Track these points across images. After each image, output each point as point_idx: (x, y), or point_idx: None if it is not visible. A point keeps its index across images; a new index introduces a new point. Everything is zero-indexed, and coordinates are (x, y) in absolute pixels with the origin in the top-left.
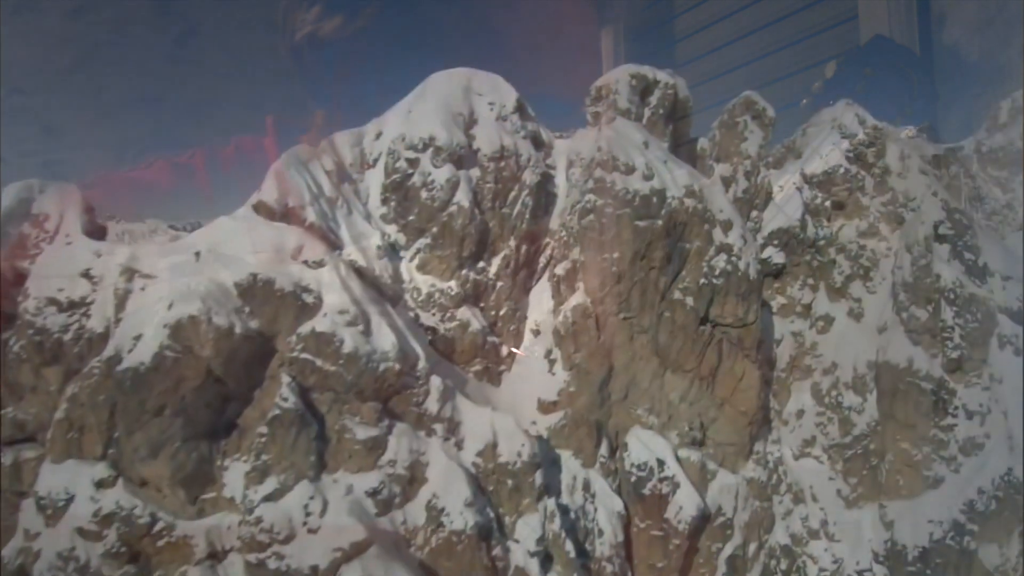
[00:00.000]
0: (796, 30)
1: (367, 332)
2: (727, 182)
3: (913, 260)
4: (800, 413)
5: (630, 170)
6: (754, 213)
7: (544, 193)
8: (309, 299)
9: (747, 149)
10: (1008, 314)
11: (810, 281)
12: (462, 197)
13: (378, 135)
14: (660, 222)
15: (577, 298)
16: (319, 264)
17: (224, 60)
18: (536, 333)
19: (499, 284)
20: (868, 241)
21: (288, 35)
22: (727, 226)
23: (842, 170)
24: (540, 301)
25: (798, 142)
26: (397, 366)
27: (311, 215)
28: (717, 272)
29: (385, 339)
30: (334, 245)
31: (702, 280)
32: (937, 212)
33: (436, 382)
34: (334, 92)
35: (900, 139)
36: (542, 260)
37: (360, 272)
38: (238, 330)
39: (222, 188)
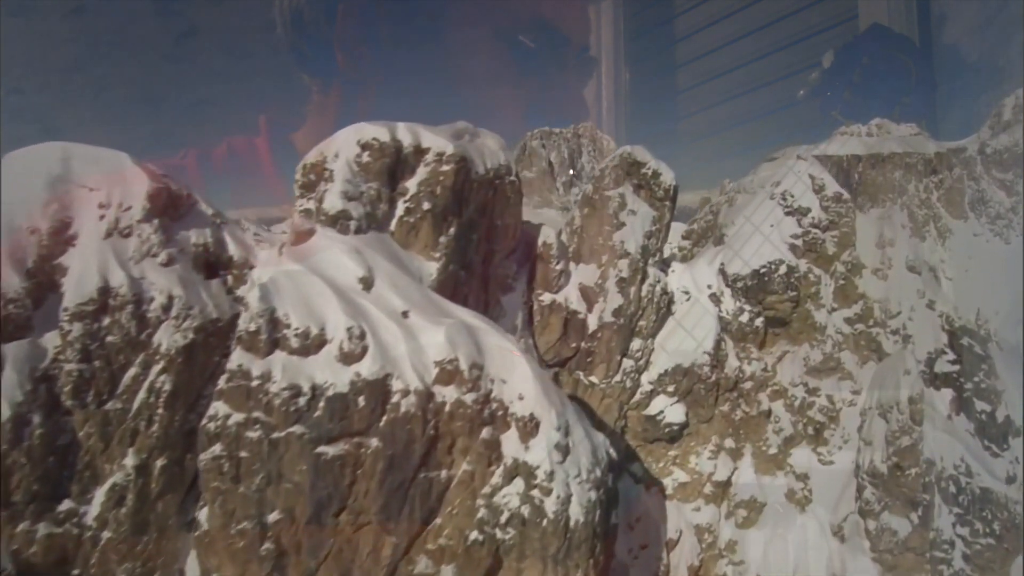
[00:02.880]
0: (795, 30)
1: None
2: (591, 297)
3: (891, 435)
4: None
5: (312, 345)
6: (636, 343)
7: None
8: None
9: (624, 243)
10: None
11: (728, 445)
12: None
13: None
14: (377, 442)
15: None
16: None
17: (224, 60)
18: None
19: (105, 536)
20: (823, 381)
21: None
22: (528, 428)
23: (784, 268)
24: None
25: (721, 217)
26: None
27: None
28: (503, 518)
29: None
30: None
31: (446, 539)
32: (934, 335)
33: None
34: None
35: (882, 204)
36: None
37: None
38: None
39: (217, 187)
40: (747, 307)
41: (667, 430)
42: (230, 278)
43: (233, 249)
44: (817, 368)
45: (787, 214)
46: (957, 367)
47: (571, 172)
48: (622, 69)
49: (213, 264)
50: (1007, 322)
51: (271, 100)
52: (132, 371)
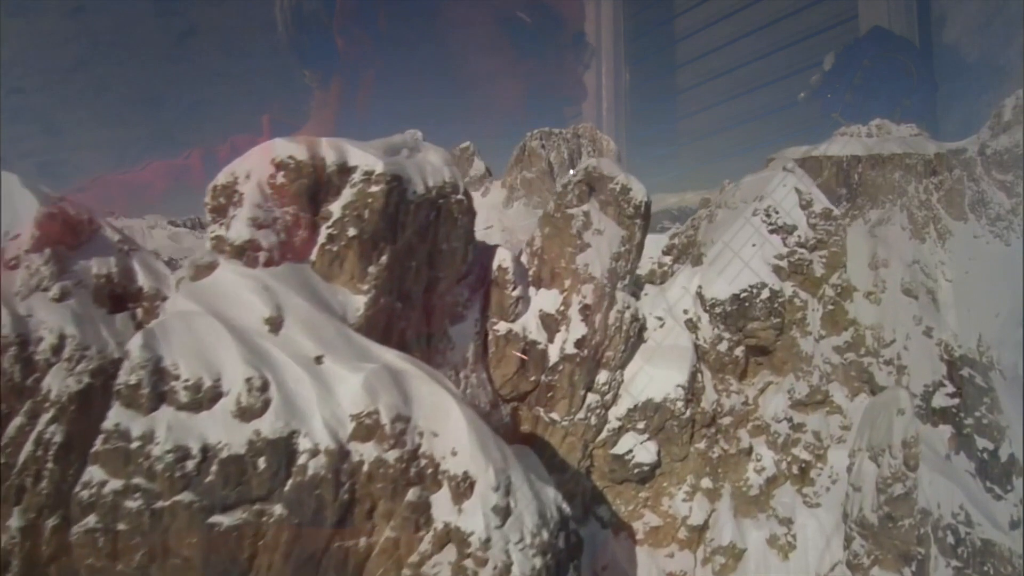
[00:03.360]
0: (795, 30)
1: None
2: (551, 325)
3: (882, 482)
4: None
5: (204, 399)
6: (602, 376)
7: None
8: None
9: (589, 266)
10: None
11: (705, 485)
12: None
13: None
14: (281, 509)
15: None
16: None
17: (224, 60)
18: None
19: None
20: (808, 416)
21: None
22: (462, 489)
23: (767, 292)
24: None
25: (700, 234)
26: None
27: None
28: None
29: None
30: None
31: None
32: (932, 365)
33: None
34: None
35: (882, 205)
36: None
37: None
38: None
39: None
40: (726, 335)
41: (637, 470)
42: (140, 311)
43: (143, 279)
44: (803, 401)
45: (771, 232)
46: (956, 400)
47: (571, 172)
48: (622, 69)
49: (120, 296)
50: (1009, 322)
51: (272, 99)
52: (17, 421)
